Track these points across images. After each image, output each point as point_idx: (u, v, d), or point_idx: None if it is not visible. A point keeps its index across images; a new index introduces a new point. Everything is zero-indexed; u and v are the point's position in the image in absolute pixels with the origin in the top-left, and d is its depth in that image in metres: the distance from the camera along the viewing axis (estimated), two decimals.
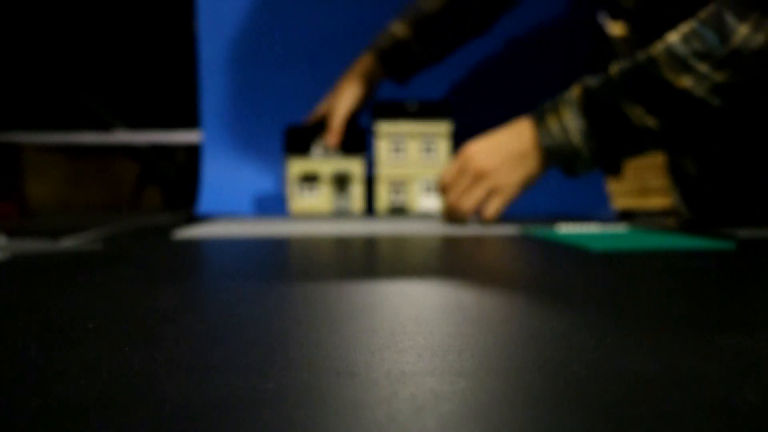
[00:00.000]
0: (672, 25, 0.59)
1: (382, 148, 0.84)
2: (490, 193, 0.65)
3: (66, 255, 0.42)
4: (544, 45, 0.97)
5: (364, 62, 0.84)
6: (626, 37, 0.74)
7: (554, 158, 0.64)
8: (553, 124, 0.63)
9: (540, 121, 0.64)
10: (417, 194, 0.85)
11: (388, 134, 0.84)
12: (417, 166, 0.84)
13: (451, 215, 0.67)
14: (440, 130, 0.84)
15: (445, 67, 0.94)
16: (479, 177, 0.65)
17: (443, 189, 0.68)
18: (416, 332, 0.20)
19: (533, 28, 0.97)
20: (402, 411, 0.13)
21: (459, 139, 0.95)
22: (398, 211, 0.84)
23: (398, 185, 0.85)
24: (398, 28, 0.83)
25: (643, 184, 1.27)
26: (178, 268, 0.39)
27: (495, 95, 0.97)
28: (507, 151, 0.65)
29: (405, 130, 0.84)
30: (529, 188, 0.67)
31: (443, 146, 0.84)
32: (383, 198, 0.84)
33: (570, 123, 0.62)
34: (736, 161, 0.73)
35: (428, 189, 0.84)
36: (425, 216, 0.83)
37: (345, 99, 0.83)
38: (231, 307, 0.25)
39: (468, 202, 0.66)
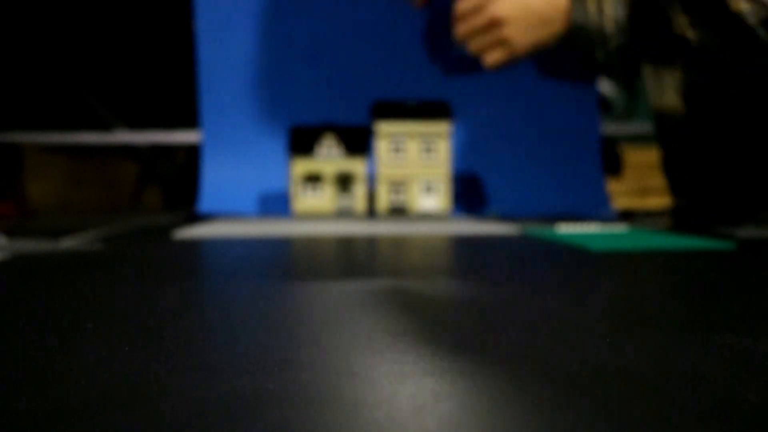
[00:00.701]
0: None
1: (382, 148, 0.84)
2: (498, 42, 0.62)
3: (66, 255, 0.42)
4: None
5: None
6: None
7: (577, 36, 0.61)
8: (591, 3, 0.60)
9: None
10: (417, 194, 0.85)
11: (387, 134, 0.84)
12: (417, 167, 0.84)
13: (457, 39, 0.64)
14: (440, 130, 0.84)
15: (445, 67, 0.94)
16: (493, 24, 0.62)
17: (456, 15, 0.64)
18: (416, 332, 0.20)
19: None
20: (402, 411, 0.13)
21: (459, 139, 0.95)
22: (398, 212, 0.84)
23: (398, 185, 0.84)
24: None
25: (643, 184, 1.27)
26: (178, 268, 0.39)
27: (496, 95, 0.97)
28: (533, 8, 0.61)
29: (405, 130, 0.84)
30: (533, 53, 0.62)
31: (443, 146, 0.84)
32: (383, 198, 0.84)
33: (609, 8, 0.60)
34: (732, 158, 0.73)
35: (428, 189, 0.84)
36: (426, 216, 0.83)
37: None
38: (231, 307, 0.25)
39: (474, 44, 0.63)
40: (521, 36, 0.61)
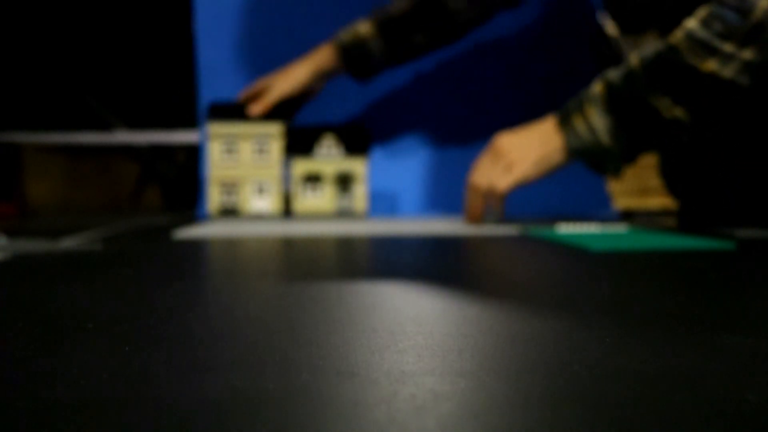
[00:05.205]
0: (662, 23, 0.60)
1: (214, 149, 0.84)
2: (506, 169, 0.65)
3: (66, 255, 0.42)
4: (542, 44, 0.97)
5: (323, 53, 0.84)
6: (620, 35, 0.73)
7: (582, 158, 0.64)
8: (579, 125, 0.62)
9: (565, 123, 0.63)
10: (249, 195, 0.84)
11: (220, 135, 0.84)
12: (249, 168, 0.84)
13: (468, 194, 0.68)
14: (272, 131, 0.83)
15: (448, 67, 0.94)
16: (498, 156, 0.65)
17: (472, 170, 0.68)
18: (416, 332, 0.20)
19: (530, 28, 0.97)
20: (402, 411, 0.13)
21: (458, 139, 0.95)
22: (230, 212, 0.83)
23: (230, 186, 0.84)
24: (362, 26, 0.83)
25: (643, 184, 1.27)
26: (178, 268, 0.39)
27: (496, 95, 0.97)
28: (527, 136, 0.65)
29: (238, 131, 0.83)
30: (547, 175, 0.66)
31: (275, 147, 0.84)
32: (215, 199, 0.83)
33: (597, 123, 0.61)
34: (730, 161, 0.73)
35: (260, 190, 0.83)
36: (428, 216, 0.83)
37: (289, 80, 0.83)
38: (231, 307, 0.25)
39: (482, 178, 0.66)
40: (523, 154, 0.65)
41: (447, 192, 0.92)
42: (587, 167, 0.66)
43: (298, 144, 0.84)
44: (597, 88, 0.62)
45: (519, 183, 0.65)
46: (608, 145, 0.62)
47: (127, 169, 1.39)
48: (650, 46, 0.60)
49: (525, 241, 0.52)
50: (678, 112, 0.59)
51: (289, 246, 0.50)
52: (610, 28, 0.75)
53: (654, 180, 1.23)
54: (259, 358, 0.17)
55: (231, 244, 0.50)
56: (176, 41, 1.16)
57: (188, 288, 0.30)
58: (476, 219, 0.68)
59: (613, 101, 0.61)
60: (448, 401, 0.14)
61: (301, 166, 0.84)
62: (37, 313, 0.24)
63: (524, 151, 0.65)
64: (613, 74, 0.62)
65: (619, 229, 0.61)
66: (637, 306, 0.25)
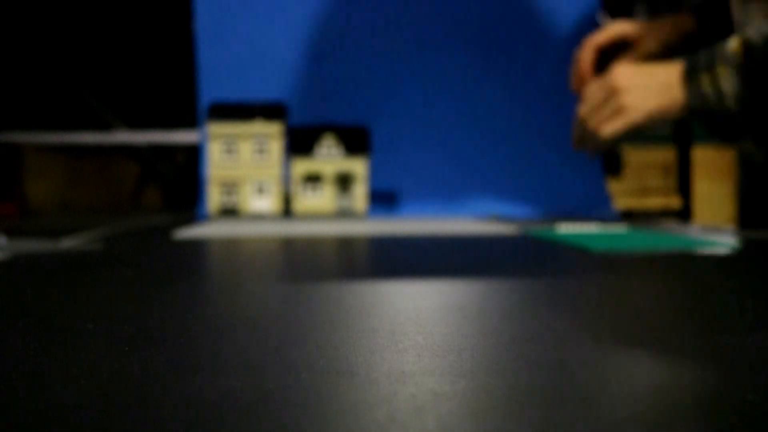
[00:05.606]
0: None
1: (214, 149, 0.84)
2: (617, 111, 0.61)
3: (66, 255, 0.42)
4: (543, 45, 0.97)
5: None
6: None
7: (699, 118, 0.60)
8: (706, 85, 0.57)
9: (692, 77, 0.58)
10: (249, 195, 0.84)
11: (220, 135, 0.84)
12: (249, 167, 0.84)
13: (576, 129, 0.65)
14: (272, 131, 0.84)
15: (445, 68, 0.94)
16: (612, 93, 0.61)
17: (582, 100, 0.65)
18: (416, 332, 0.20)
19: (530, 28, 0.97)
20: (402, 411, 0.13)
21: (458, 139, 0.95)
22: (230, 212, 0.83)
23: (230, 186, 0.84)
24: None
25: (643, 184, 1.27)
26: (178, 268, 0.39)
27: (496, 94, 0.97)
28: (649, 80, 0.61)
29: (237, 131, 0.84)
30: (654, 121, 0.61)
31: (275, 147, 0.84)
32: (215, 199, 0.83)
33: (726, 86, 0.56)
34: None
35: (260, 190, 0.82)
36: (425, 215, 0.83)
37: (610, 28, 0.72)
38: (231, 307, 0.25)
39: (593, 119, 0.62)
40: (638, 101, 0.60)
41: (447, 192, 0.92)
42: (699, 125, 0.62)
43: (298, 144, 0.84)
44: (733, 45, 0.57)
45: (625, 131, 0.61)
46: (733, 110, 0.57)
47: (127, 169, 1.39)
48: None
49: (525, 241, 0.51)
50: None
51: (289, 246, 0.50)
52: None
53: (654, 180, 1.23)
54: (259, 358, 0.17)
55: (231, 244, 0.50)
56: (176, 41, 1.15)
57: (188, 288, 0.30)
58: (580, 146, 0.65)
59: (749, 63, 0.55)
60: (448, 401, 0.14)
61: (301, 166, 0.84)
62: (37, 313, 0.24)
63: (642, 97, 0.60)
64: (754, 32, 0.56)
65: (619, 229, 0.61)
66: (636, 306, 0.25)
